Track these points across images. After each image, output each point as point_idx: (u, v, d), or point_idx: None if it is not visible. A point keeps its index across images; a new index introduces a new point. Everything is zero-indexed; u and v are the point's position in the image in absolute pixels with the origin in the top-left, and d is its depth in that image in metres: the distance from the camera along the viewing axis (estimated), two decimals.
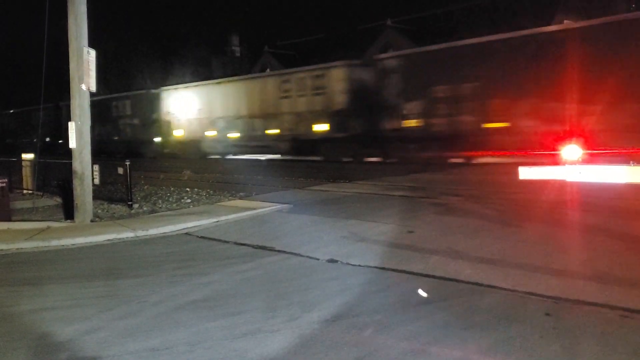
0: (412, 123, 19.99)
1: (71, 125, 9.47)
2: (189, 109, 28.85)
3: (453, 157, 19.00)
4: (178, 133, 29.78)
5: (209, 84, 29.10)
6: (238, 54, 52.16)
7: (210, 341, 3.96)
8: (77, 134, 9.44)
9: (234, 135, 26.46)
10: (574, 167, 5.17)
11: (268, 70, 38.30)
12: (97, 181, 10.31)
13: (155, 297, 5.09)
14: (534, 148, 15.33)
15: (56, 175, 12.93)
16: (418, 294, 4.86)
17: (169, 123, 30.24)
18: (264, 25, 75.96)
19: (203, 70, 46.62)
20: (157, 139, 30.56)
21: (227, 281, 5.61)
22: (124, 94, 33.31)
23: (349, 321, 4.24)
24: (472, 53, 18.59)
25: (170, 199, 12.03)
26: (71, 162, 9.59)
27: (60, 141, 33.76)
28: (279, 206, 10.24)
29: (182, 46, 49.85)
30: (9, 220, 9.62)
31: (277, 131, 24.35)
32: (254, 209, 10.02)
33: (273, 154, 25.10)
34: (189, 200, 11.68)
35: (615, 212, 8.19)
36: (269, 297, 4.96)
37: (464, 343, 3.74)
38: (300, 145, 23.44)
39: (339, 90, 21.90)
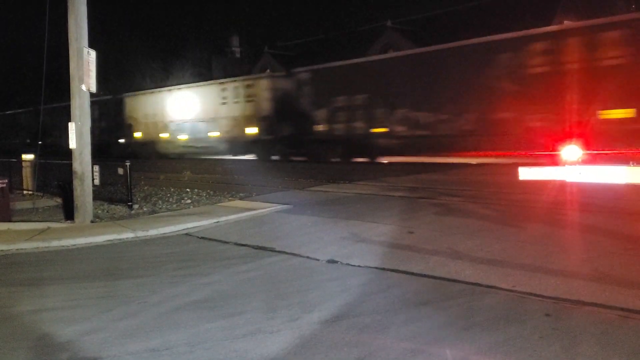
0: (320, 128, 23.57)
1: (71, 126, 9.47)
2: (147, 113, 31.93)
3: (355, 157, 22.45)
4: (138, 135, 32.94)
5: (163, 90, 32.04)
6: (238, 55, 52.20)
7: (210, 342, 3.96)
8: (77, 135, 9.44)
9: (183, 137, 29.59)
10: (573, 167, 5.18)
11: (268, 71, 38.72)
12: (97, 182, 10.31)
13: (156, 298, 5.09)
14: (401, 152, 20.70)
15: (56, 176, 12.93)
16: (418, 295, 4.86)
17: (130, 126, 33.46)
18: (264, 26, 76.04)
19: (203, 71, 46.69)
20: (121, 140, 33.77)
21: (227, 282, 5.61)
22: (94, 99, 35.65)
23: (349, 321, 4.24)
24: (360, 70, 22.63)
25: (171, 200, 12.04)
26: (71, 163, 9.59)
27: (39, 142, 36.39)
28: (279, 207, 10.25)
29: (182, 47, 49.98)
30: (9, 220, 9.62)
31: (217, 134, 27.44)
32: (254, 209, 10.03)
33: (214, 154, 27.83)
34: (189, 201, 11.69)
35: (615, 212, 8.20)
36: (269, 297, 4.96)
37: (464, 343, 3.74)
38: (236, 146, 26.60)
39: (266, 98, 25.36)
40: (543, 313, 4.23)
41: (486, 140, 17.88)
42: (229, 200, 11.46)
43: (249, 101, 26.09)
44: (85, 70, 9.35)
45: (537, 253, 6.07)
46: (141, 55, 48.40)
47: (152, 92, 32.52)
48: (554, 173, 5.39)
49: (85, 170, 9.49)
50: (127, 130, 33.27)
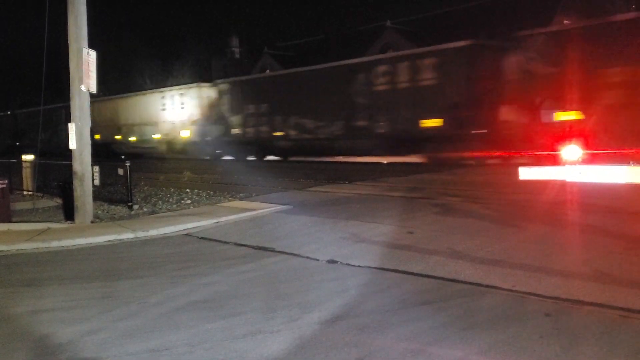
0: (236, 131, 27.58)
1: (71, 127, 9.48)
2: (105, 117, 35.69)
3: (266, 156, 26.92)
4: (97, 136, 36.27)
5: (117, 98, 36.18)
6: (238, 55, 52.18)
7: (210, 342, 3.96)
8: (77, 135, 9.45)
9: (133, 138, 33.55)
10: (574, 167, 5.18)
11: (268, 71, 39.39)
12: (97, 182, 10.31)
13: (156, 298, 5.09)
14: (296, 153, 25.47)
15: (56, 177, 12.93)
16: (418, 295, 4.86)
17: (91, 129, 35.13)
18: (264, 27, 75.95)
19: (203, 71, 46.70)
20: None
21: (227, 282, 5.61)
22: (59, 105, 39.70)
23: (349, 322, 4.24)
24: (263, 83, 27.72)
25: (171, 200, 12.04)
26: (70, 163, 9.59)
27: (17, 143, 42.05)
28: (279, 207, 10.25)
29: (182, 47, 49.99)
30: (9, 221, 9.62)
31: (159, 136, 31.41)
32: (254, 209, 10.03)
33: (158, 154, 31.39)
34: (189, 201, 11.69)
35: (615, 212, 8.19)
36: (269, 298, 4.96)
37: (464, 343, 3.74)
38: (173, 147, 30.46)
39: (195, 105, 29.22)
40: (543, 313, 4.23)
41: (351, 144, 22.75)
42: (229, 201, 11.46)
43: (182, 107, 29.93)
44: (85, 71, 9.35)
45: (537, 253, 6.06)
46: (141, 56, 48.43)
47: (110, 99, 36.46)
48: (554, 173, 5.39)
49: (85, 170, 9.49)
50: (90, 133, 36.95)
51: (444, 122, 19.07)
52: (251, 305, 4.75)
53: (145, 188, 14.39)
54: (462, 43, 18.89)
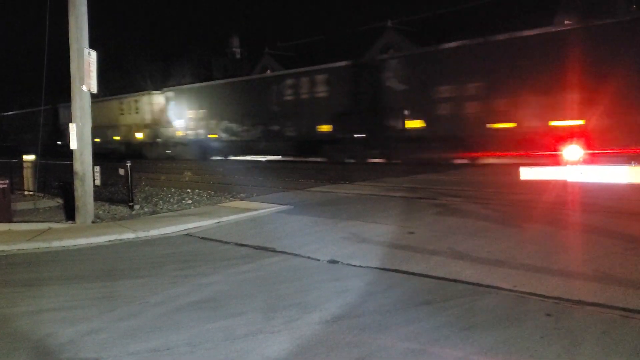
0: (180, 134, 31.67)
1: (72, 127, 9.48)
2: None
3: (209, 157, 30.31)
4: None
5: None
6: (238, 56, 52.24)
7: (211, 342, 3.96)
8: (78, 135, 9.45)
9: (97, 139, 35.78)
10: (575, 167, 5.17)
11: (268, 71, 39.75)
12: (98, 182, 10.31)
13: (156, 298, 5.09)
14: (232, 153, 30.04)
15: (57, 177, 12.94)
16: (419, 295, 4.86)
17: (63, 131, 41.41)
18: (265, 27, 75.98)
19: (203, 71, 46.73)
20: (59, 143, 41.65)
21: (228, 282, 5.61)
22: (36, 109, 44.79)
23: (350, 322, 4.24)
24: (199, 91, 31.58)
25: (171, 200, 12.04)
26: (71, 164, 9.60)
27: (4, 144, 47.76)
28: (279, 207, 10.25)
29: (183, 48, 50.04)
30: (10, 221, 9.62)
31: (118, 137, 36.13)
32: (255, 210, 10.03)
33: (117, 154, 33.98)
34: (189, 202, 11.69)
35: (616, 212, 8.19)
36: (270, 298, 4.96)
37: (464, 343, 3.74)
38: (130, 147, 34.58)
39: (147, 111, 33.46)
40: (544, 313, 4.23)
41: (269, 145, 26.77)
42: (230, 201, 11.47)
43: (137, 112, 34.33)
44: (85, 71, 9.35)
45: (538, 253, 6.06)
46: (141, 56, 48.46)
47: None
48: (555, 173, 5.39)
49: (86, 170, 9.49)
50: (60, 135, 40.74)
51: (333, 127, 23.43)
52: (252, 305, 4.75)
53: (146, 188, 14.40)
54: (343, 63, 23.48)
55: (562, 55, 16.23)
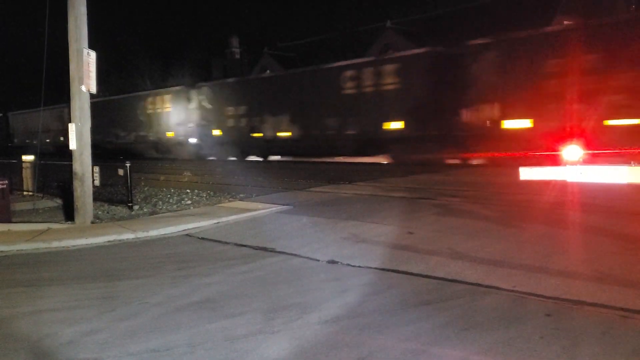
0: (141, 133, 36.05)
1: (71, 127, 9.47)
2: (26, 126, 46.86)
3: (166, 156, 33.74)
4: (15, 141, 49.90)
5: (52, 107, 43.27)
6: (238, 56, 52.17)
7: (211, 342, 3.96)
8: (78, 136, 9.44)
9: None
10: (574, 167, 5.18)
11: (268, 71, 39.78)
12: (97, 182, 10.31)
13: (156, 299, 5.09)
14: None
15: (56, 177, 12.93)
16: (418, 295, 4.86)
17: (13, 134, 51.45)
18: (264, 27, 75.99)
19: (203, 72, 46.71)
20: (10, 144, 49.19)
21: (227, 282, 5.61)
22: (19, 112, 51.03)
23: (350, 322, 4.24)
24: (123, 103, 37.77)
25: (171, 201, 12.04)
26: (71, 164, 9.59)
27: None
28: (279, 207, 10.25)
29: (182, 48, 50.06)
30: (10, 221, 9.62)
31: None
32: (254, 210, 10.03)
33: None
34: (189, 202, 11.69)
35: (615, 212, 8.19)
36: (269, 298, 4.96)
37: (464, 344, 3.74)
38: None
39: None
40: (544, 313, 4.23)
41: (233, 146, 29.11)
42: (229, 201, 11.46)
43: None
44: (85, 71, 9.35)
45: (538, 253, 6.06)
46: (141, 56, 48.45)
47: (53, 108, 42.50)
48: (555, 173, 5.39)
49: (85, 171, 9.49)
50: (38, 135, 46.66)
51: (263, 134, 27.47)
52: (252, 306, 4.75)
53: (146, 188, 14.39)
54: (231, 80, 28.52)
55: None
